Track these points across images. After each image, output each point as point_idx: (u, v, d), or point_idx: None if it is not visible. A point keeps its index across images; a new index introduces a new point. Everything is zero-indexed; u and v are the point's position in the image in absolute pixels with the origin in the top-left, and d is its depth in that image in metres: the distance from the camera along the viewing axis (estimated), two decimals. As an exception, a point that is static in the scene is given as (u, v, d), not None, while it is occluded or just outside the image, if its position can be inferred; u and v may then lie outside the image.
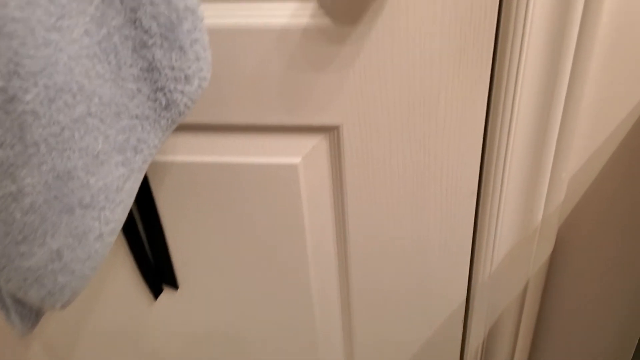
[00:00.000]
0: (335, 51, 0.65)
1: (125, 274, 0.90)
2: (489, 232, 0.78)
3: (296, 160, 0.75)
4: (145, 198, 0.79)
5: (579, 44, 0.61)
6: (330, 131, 0.73)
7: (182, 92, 0.50)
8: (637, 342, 0.84)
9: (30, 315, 0.62)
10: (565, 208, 0.76)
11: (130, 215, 0.81)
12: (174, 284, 0.90)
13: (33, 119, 0.43)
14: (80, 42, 0.45)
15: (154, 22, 0.47)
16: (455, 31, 0.62)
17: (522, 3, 0.59)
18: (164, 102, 0.50)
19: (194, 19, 0.48)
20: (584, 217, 0.77)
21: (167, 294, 0.93)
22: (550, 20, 0.59)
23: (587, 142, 0.70)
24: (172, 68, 0.49)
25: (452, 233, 0.79)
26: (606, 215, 0.76)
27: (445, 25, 0.61)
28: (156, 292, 0.90)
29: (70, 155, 0.47)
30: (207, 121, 0.73)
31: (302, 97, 0.69)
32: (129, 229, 0.82)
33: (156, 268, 0.87)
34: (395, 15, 0.61)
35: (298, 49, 0.65)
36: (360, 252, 0.83)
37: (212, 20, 0.65)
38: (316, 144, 0.74)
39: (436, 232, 0.80)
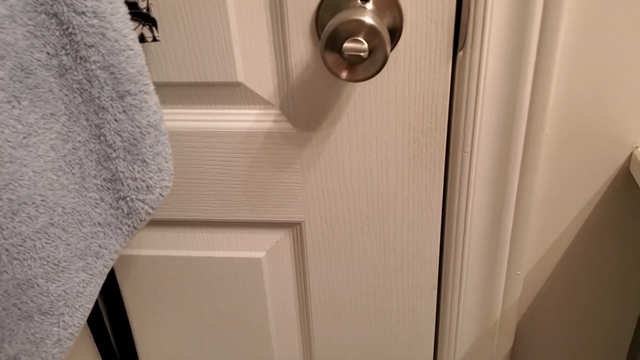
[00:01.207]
0: (297, 153, 0.68)
1: (89, 366, 0.89)
2: (451, 326, 0.79)
3: (260, 254, 0.77)
4: (111, 291, 0.80)
5: (526, 148, 0.65)
6: (293, 227, 0.75)
7: (143, 201, 0.52)
8: None
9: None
10: (523, 303, 0.78)
11: (97, 308, 0.82)
12: (138, 377, 0.89)
13: (-5, 231, 0.44)
14: (45, 157, 0.47)
15: (118, 137, 0.49)
16: (409, 138, 0.66)
17: (470, 111, 0.63)
18: (125, 210, 0.53)
19: (157, 134, 0.51)
20: (541, 312, 0.79)
21: (131, 386, 0.91)
22: (496, 128, 0.63)
23: (540, 241, 0.73)
24: (135, 179, 0.51)
25: (414, 327, 0.81)
26: (563, 310, 0.78)
27: (399, 132, 0.65)
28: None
29: (31, 264, 0.48)
30: (174, 217, 0.75)
31: (265, 195, 0.72)
32: (95, 321, 0.82)
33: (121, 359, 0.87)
34: (352, 123, 0.65)
35: (262, 151, 0.69)
36: (325, 345, 0.84)
37: (182, 124, 0.68)
38: (279, 239, 0.76)
39: (399, 326, 0.81)
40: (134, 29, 0.54)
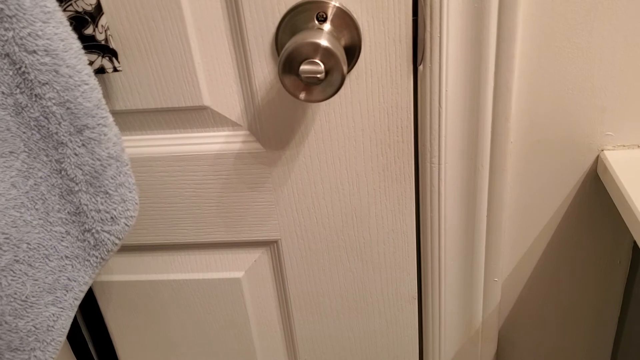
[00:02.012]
0: (268, 172, 0.69)
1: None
2: (434, 336, 0.80)
3: (239, 274, 0.77)
4: (95, 318, 0.80)
5: (493, 157, 0.65)
6: (270, 245, 0.75)
7: (109, 232, 0.53)
8: None
9: None
10: (504, 309, 0.79)
11: (81, 335, 0.82)
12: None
13: (-42, 272, 0.45)
14: (6, 195, 0.48)
15: (79, 170, 0.50)
16: (377, 152, 0.66)
17: (434, 123, 0.63)
18: (92, 242, 0.53)
19: (118, 165, 0.51)
20: (523, 317, 0.79)
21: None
22: (462, 139, 0.64)
23: (515, 248, 0.73)
24: (99, 211, 0.52)
25: (398, 338, 0.81)
26: (544, 313, 0.78)
27: (366, 147, 0.66)
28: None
29: (-2, 301, 0.48)
30: (152, 241, 0.75)
31: (240, 215, 0.72)
32: (80, 348, 0.82)
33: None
34: (320, 140, 0.66)
35: (233, 172, 0.69)
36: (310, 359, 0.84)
37: (153, 149, 0.69)
38: (257, 257, 0.76)
39: (383, 338, 0.81)
40: (93, 61, 0.55)
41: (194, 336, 0.83)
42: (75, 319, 0.84)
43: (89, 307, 0.82)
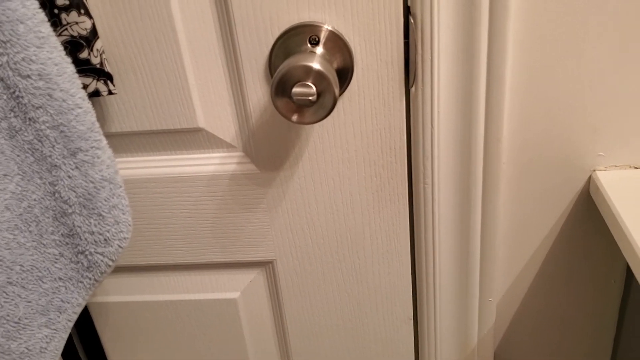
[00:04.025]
0: (263, 193, 0.69)
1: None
2: (430, 356, 0.79)
3: (235, 295, 0.77)
4: (91, 338, 0.80)
5: (486, 178, 0.65)
6: (266, 265, 0.75)
7: (102, 254, 0.53)
8: None
9: None
10: (499, 329, 0.78)
11: (77, 355, 0.82)
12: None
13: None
14: (0, 217, 0.48)
15: (73, 193, 0.50)
16: (371, 173, 0.66)
17: (427, 144, 0.64)
18: (85, 264, 0.53)
19: (111, 187, 0.52)
20: (518, 337, 0.79)
21: None
22: (455, 160, 0.64)
23: (510, 268, 0.73)
24: (92, 233, 0.52)
25: (394, 359, 0.80)
26: (539, 333, 0.78)
27: (360, 168, 0.66)
28: None
29: (-10, 323, 0.48)
30: (147, 262, 0.75)
31: (235, 236, 0.72)
32: (73, 370, 0.82)
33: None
34: (314, 161, 0.66)
35: (228, 193, 0.69)
36: (306, 381, 0.84)
37: (148, 171, 0.69)
38: (253, 278, 0.76)
39: (379, 358, 0.81)
40: (88, 85, 0.55)
41: (191, 356, 0.83)
42: (72, 339, 0.84)
43: (86, 327, 0.82)
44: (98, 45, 0.56)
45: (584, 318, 0.76)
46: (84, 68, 0.55)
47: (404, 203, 0.68)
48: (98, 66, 0.56)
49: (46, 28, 0.46)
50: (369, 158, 0.65)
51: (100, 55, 0.56)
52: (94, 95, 0.56)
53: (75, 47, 0.54)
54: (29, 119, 0.47)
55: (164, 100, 0.64)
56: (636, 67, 0.59)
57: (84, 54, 0.54)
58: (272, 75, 0.61)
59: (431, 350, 0.79)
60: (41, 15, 0.45)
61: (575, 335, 0.78)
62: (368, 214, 0.69)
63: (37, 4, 0.45)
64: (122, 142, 0.68)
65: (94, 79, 0.56)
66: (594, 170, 0.65)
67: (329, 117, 0.63)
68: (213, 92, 0.64)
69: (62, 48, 0.48)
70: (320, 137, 0.65)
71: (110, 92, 0.57)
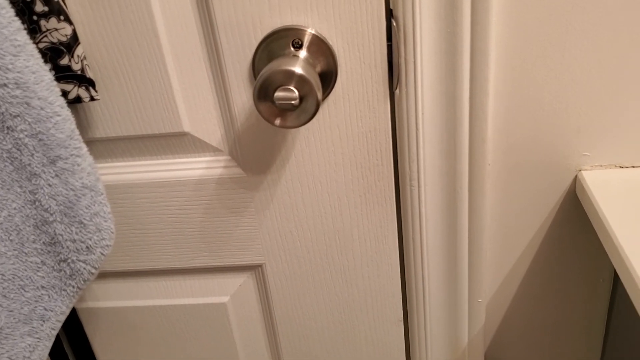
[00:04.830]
0: (250, 197, 0.69)
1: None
2: (420, 358, 0.79)
3: (225, 299, 0.77)
4: (81, 344, 0.80)
5: (472, 179, 0.65)
6: (255, 269, 0.75)
7: (84, 261, 0.53)
8: None
9: None
10: (490, 330, 0.78)
11: (66, 362, 0.82)
12: None
13: None
14: (-20, 226, 0.48)
15: (53, 201, 0.50)
16: (357, 175, 0.66)
17: (412, 146, 0.63)
18: (68, 272, 0.53)
19: (92, 195, 0.51)
20: (509, 337, 0.79)
21: None
22: (440, 161, 0.64)
23: (498, 268, 0.73)
24: (74, 240, 0.52)
25: (384, 360, 0.80)
26: (529, 333, 0.78)
27: (347, 170, 0.66)
28: None
29: (-28, 333, 0.48)
30: (136, 267, 0.75)
31: (223, 240, 0.72)
32: (64, 376, 0.82)
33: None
34: (300, 164, 0.66)
35: (215, 197, 0.69)
36: (297, 384, 0.83)
37: (134, 176, 0.69)
38: (242, 282, 0.76)
39: (369, 360, 0.81)
40: (69, 91, 0.55)
41: (180, 362, 0.83)
42: (62, 345, 0.84)
43: (76, 333, 0.81)
44: (79, 51, 0.56)
45: (574, 317, 0.76)
46: (65, 75, 0.55)
47: (392, 205, 0.68)
48: (79, 72, 0.55)
49: (22, 36, 0.45)
50: (356, 161, 0.65)
51: (82, 61, 0.56)
52: (76, 101, 0.56)
53: (56, 53, 0.54)
54: (7, 127, 0.47)
55: (148, 105, 0.64)
56: (619, 66, 0.59)
57: (64, 61, 0.54)
58: (256, 79, 0.61)
59: (422, 351, 0.79)
60: (17, 24, 0.45)
61: (565, 334, 0.77)
62: (356, 216, 0.69)
63: (12, 12, 0.45)
64: (107, 147, 0.67)
65: (75, 86, 0.56)
66: (580, 170, 0.64)
67: (314, 120, 0.63)
68: (197, 96, 0.63)
69: (39, 56, 0.47)
70: (307, 140, 0.64)
71: (92, 99, 0.57)
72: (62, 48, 0.54)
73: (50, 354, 0.80)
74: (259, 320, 0.79)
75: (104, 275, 0.76)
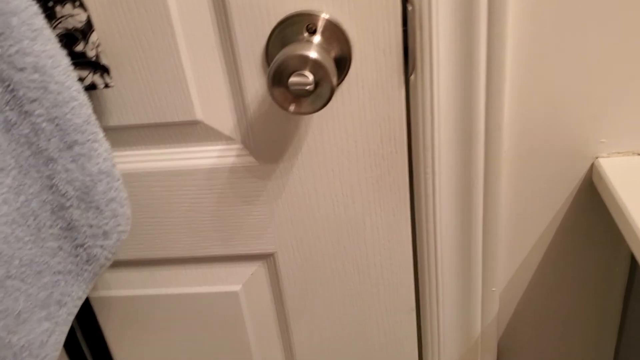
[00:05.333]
0: (262, 186, 0.69)
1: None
2: (433, 347, 0.79)
3: (236, 287, 0.77)
4: (93, 332, 0.80)
5: (487, 166, 0.65)
6: (267, 258, 0.75)
7: (101, 246, 0.53)
8: None
9: None
10: (503, 319, 0.78)
11: (80, 349, 0.82)
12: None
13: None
14: (-3, 211, 0.48)
15: (70, 186, 0.50)
16: (371, 163, 0.66)
17: (427, 133, 0.63)
18: (84, 257, 0.53)
19: (109, 180, 0.51)
20: (522, 326, 0.78)
21: None
22: (455, 148, 0.64)
23: (512, 257, 0.73)
24: (90, 226, 0.52)
25: (397, 350, 0.80)
26: (543, 322, 0.78)
27: (360, 158, 0.66)
28: None
29: (-10, 318, 0.48)
30: (148, 256, 0.75)
31: (235, 229, 0.72)
32: (77, 365, 0.82)
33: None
34: (313, 152, 0.66)
35: (227, 186, 0.69)
36: (310, 373, 0.83)
37: (147, 165, 0.69)
38: (254, 271, 0.76)
39: (382, 351, 0.80)
40: (84, 78, 0.55)
41: (192, 350, 0.83)
42: (74, 333, 0.84)
43: (88, 322, 0.82)
44: (94, 37, 0.55)
45: (588, 307, 0.76)
46: (80, 61, 0.54)
47: (405, 193, 0.68)
48: (94, 59, 0.55)
49: (39, 20, 0.45)
50: (369, 148, 0.65)
51: (96, 47, 0.56)
52: (90, 88, 0.56)
53: (71, 39, 0.53)
54: (25, 112, 0.47)
55: (161, 93, 0.63)
56: (639, 52, 0.58)
57: (79, 47, 0.54)
58: (269, 66, 0.61)
59: (434, 340, 0.79)
60: (34, 8, 0.45)
61: (579, 324, 0.77)
62: (369, 204, 0.69)
63: (29, -3, 0.45)
64: (120, 135, 0.67)
65: (90, 72, 0.56)
66: (597, 158, 0.64)
67: (327, 108, 0.62)
68: (210, 83, 0.63)
69: (56, 40, 0.47)
70: (319, 128, 0.64)
71: (106, 85, 0.57)
72: (77, 34, 0.54)
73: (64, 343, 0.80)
74: (271, 309, 0.79)
75: (116, 264, 0.76)
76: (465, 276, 0.72)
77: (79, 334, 0.83)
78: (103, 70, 0.57)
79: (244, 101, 0.64)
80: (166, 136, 0.67)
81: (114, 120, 0.66)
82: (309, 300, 0.77)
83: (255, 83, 0.62)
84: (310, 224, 0.71)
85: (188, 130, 0.67)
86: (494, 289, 0.73)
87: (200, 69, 0.62)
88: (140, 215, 0.71)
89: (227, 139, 0.67)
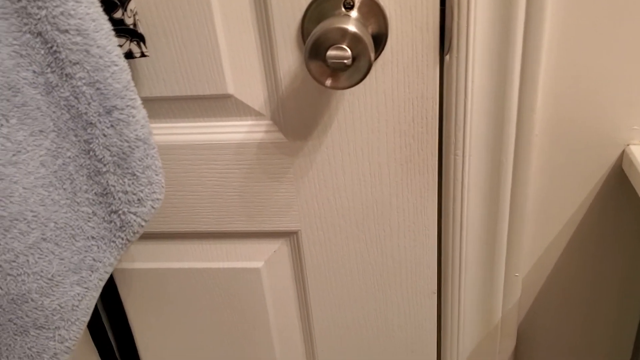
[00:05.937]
0: (290, 162, 0.69)
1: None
2: (452, 331, 0.79)
3: (259, 264, 0.78)
4: (114, 305, 0.81)
5: (517, 149, 0.65)
6: (290, 236, 0.75)
7: (135, 213, 0.53)
8: None
9: None
10: (524, 305, 0.78)
11: (100, 321, 0.82)
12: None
13: (-13, 248, 0.45)
14: (35, 173, 0.48)
15: (107, 151, 0.50)
16: (400, 143, 0.66)
17: (460, 114, 0.63)
18: (118, 224, 0.53)
19: (145, 148, 0.52)
20: (542, 313, 0.78)
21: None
22: (487, 130, 0.63)
23: (537, 242, 0.73)
24: (126, 192, 0.52)
25: (416, 332, 0.80)
26: (564, 309, 0.78)
27: (390, 138, 0.66)
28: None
29: (25, 279, 0.49)
30: (173, 229, 0.76)
31: (261, 205, 0.72)
32: (98, 335, 0.83)
33: (125, 374, 0.87)
34: (342, 131, 0.66)
35: (255, 162, 0.69)
36: (328, 352, 0.84)
37: (177, 137, 0.69)
38: (277, 248, 0.77)
39: (401, 332, 0.81)
40: (122, 45, 0.55)
41: (212, 324, 0.83)
42: (95, 306, 0.84)
43: (109, 294, 0.82)
44: (132, 5, 0.55)
45: (611, 296, 0.75)
46: (118, 28, 0.55)
47: (434, 175, 0.68)
48: (131, 27, 0.55)
49: (84, -17, 0.45)
50: (400, 128, 0.65)
51: (134, 15, 0.56)
52: (127, 57, 0.56)
53: (110, 6, 0.54)
54: (66, 74, 0.47)
55: (194, 65, 0.64)
56: (677, 38, 0.58)
57: (117, 14, 0.54)
58: (304, 42, 0.61)
59: (454, 324, 0.79)
60: (79, -30, 0.45)
61: (600, 312, 0.77)
62: (396, 185, 0.69)
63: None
64: (152, 107, 0.67)
65: (127, 40, 0.56)
66: (628, 145, 0.64)
67: (360, 85, 0.62)
68: (243, 58, 0.63)
69: (99, 4, 0.47)
70: (351, 106, 0.64)
71: (142, 54, 0.57)
72: (116, 1, 0.54)
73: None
74: (292, 286, 0.80)
75: (141, 236, 0.77)
76: (488, 261, 0.72)
77: (99, 305, 0.84)
78: (140, 38, 0.57)
79: (276, 76, 0.64)
80: (196, 109, 0.68)
81: (145, 92, 0.66)
82: (330, 279, 0.77)
83: (289, 58, 0.62)
84: (336, 203, 0.71)
85: (219, 104, 0.67)
86: (517, 275, 0.73)
87: (234, 42, 0.62)
88: (168, 188, 0.72)
89: (257, 115, 0.67)
